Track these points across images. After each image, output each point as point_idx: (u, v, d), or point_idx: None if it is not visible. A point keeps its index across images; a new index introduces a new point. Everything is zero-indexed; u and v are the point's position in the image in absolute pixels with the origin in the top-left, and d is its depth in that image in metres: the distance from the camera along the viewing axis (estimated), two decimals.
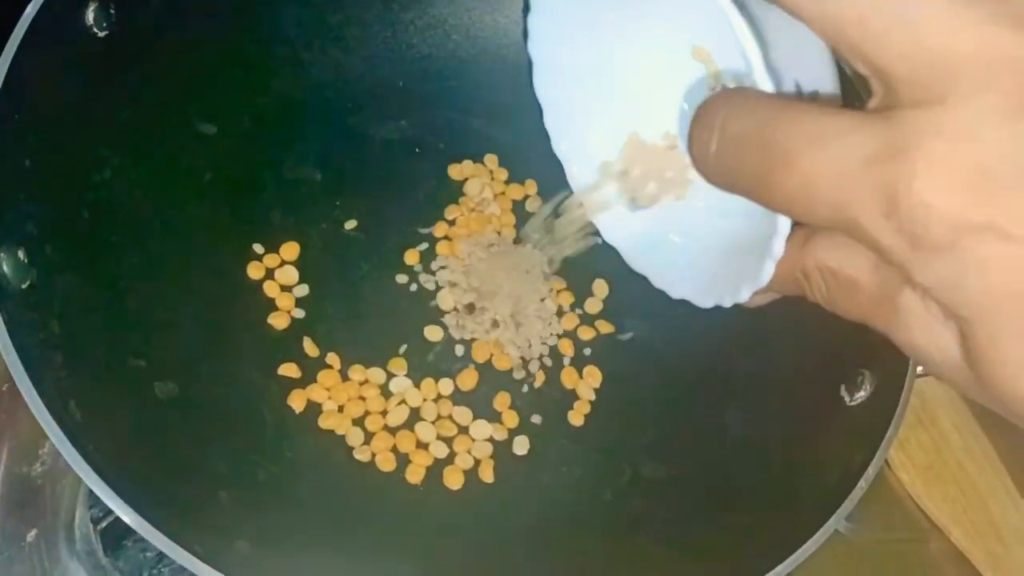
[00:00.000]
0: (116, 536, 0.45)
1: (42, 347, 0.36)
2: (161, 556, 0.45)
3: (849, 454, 0.41)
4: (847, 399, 0.44)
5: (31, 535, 0.45)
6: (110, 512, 0.44)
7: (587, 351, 0.51)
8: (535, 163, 0.55)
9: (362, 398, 0.47)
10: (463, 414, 0.48)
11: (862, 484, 0.39)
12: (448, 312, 0.50)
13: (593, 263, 0.53)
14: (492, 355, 0.49)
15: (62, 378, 0.36)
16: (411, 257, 0.51)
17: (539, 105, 0.55)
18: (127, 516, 0.33)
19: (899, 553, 0.54)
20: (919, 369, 0.42)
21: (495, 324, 0.50)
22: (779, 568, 0.38)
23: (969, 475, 0.55)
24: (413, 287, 0.51)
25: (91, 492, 0.45)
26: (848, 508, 0.39)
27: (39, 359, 0.35)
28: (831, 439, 0.43)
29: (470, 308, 0.50)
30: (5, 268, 0.36)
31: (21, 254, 0.37)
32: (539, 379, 0.49)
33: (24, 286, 0.37)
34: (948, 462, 0.55)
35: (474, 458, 0.47)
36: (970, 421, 0.56)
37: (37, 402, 0.34)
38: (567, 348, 0.50)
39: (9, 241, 0.37)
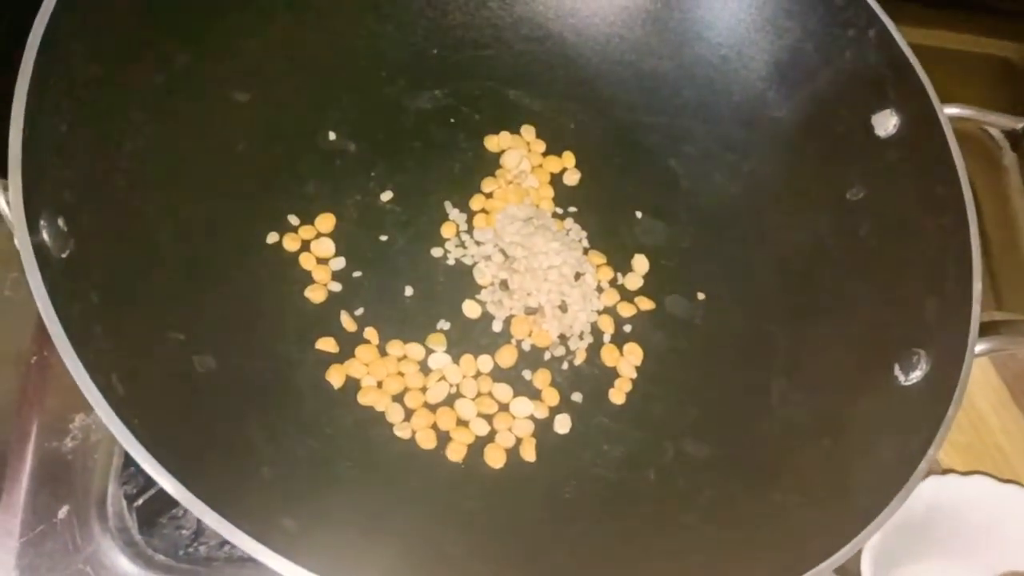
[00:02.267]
0: (150, 513, 0.44)
1: (83, 318, 0.35)
2: (196, 535, 0.44)
3: (905, 436, 0.40)
4: (901, 379, 0.43)
5: (63, 511, 0.44)
6: (145, 489, 0.44)
7: (627, 328, 0.50)
8: (573, 134, 0.54)
9: (401, 374, 0.46)
10: (503, 391, 0.47)
11: (923, 466, 0.38)
12: (486, 287, 0.49)
13: (633, 237, 0.52)
14: (531, 331, 0.48)
15: (103, 350, 0.35)
16: (448, 230, 0.50)
17: (577, 74, 0.54)
18: (178, 492, 0.32)
19: None
20: (977, 348, 0.41)
21: (533, 300, 0.49)
22: (834, 557, 0.37)
23: (1007, 456, 0.54)
24: (450, 261, 0.49)
25: (124, 468, 0.45)
26: (907, 494, 0.38)
27: (81, 330, 0.34)
28: (884, 420, 0.42)
29: (509, 280, 0.49)
30: (46, 236, 0.35)
31: (61, 222, 0.36)
32: (579, 356, 0.48)
33: (64, 255, 0.36)
34: (987, 443, 0.54)
35: (515, 436, 0.46)
36: (1008, 403, 0.55)
37: (82, 374, 0.32)
38: (607, 325, 0.49)
39: (49, 208, 0.35)
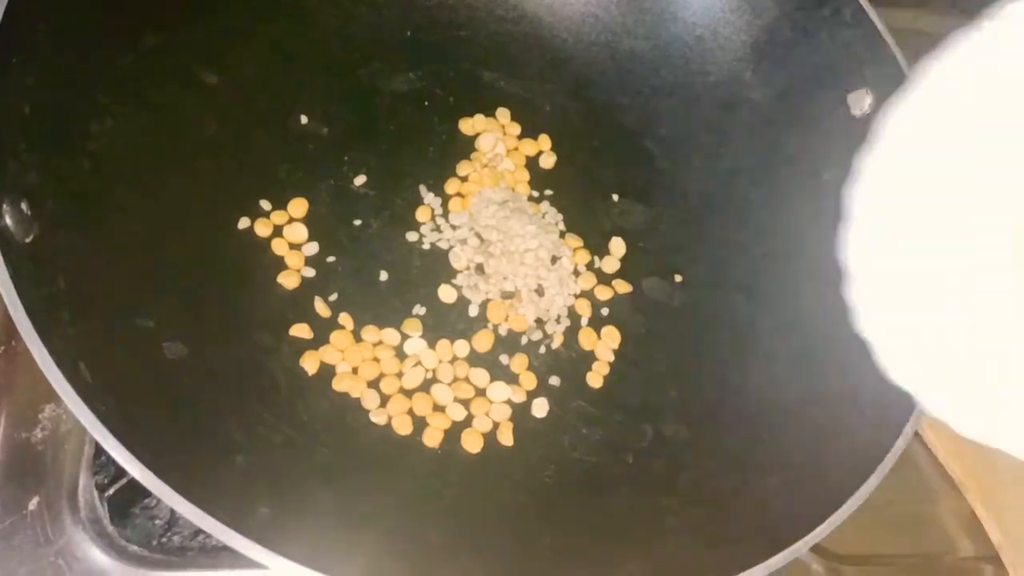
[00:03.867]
0: (123, 504, 0.43)
1: (49, 304, 0.34)
2: (170, 525, 0.44)
3: (883, 416, 0.40)
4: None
5: (33, 503, 0.43)
6: (116, 479, 0.43)
7: (605, 311, 0.49)
8: (549, 117, 0.54)
9: (376, 360, 0.45)
10: (480, 376, 0.46)
11: (900, 443, 0.38)
12: (461, 271, 0.49)
13: (610, 220, 0.51)
14: (508, 316, 0.48)
15: (70, 337, 0.34)
16: (423, 214, 0.49)
17: (552, 55, 0.53)
18: (148, 481, 0.31)
19: (913, 514, 0.54)
20: None
21: (509, 284, 0.48)
22: (810, 535, 0.37)
23: None
24: (425, 245, 0.49)
25: (95, 458, 0.44)
26: (882, 474, 0.38)
27: (47, 316, 0.33)
28: (863, 399, 0.42)
29: (485, 264, 0.48)
30: (8, 220, 0.34)
31: (24, 206, 0.35)
32: (557, 340, 0.48)
33: (28, 240, 0.35)
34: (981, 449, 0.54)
35: (492, 421, 0.45)
36: None
37: (48, 362, 0.32)
38: (584, 308, 0.49)
39: (12, 192, 0.34)
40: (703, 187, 0.52)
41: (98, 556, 0.42)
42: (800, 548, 0.37)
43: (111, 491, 0.43)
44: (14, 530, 0.42)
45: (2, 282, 0.32)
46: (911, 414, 0.39)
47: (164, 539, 0.43)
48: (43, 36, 0.38)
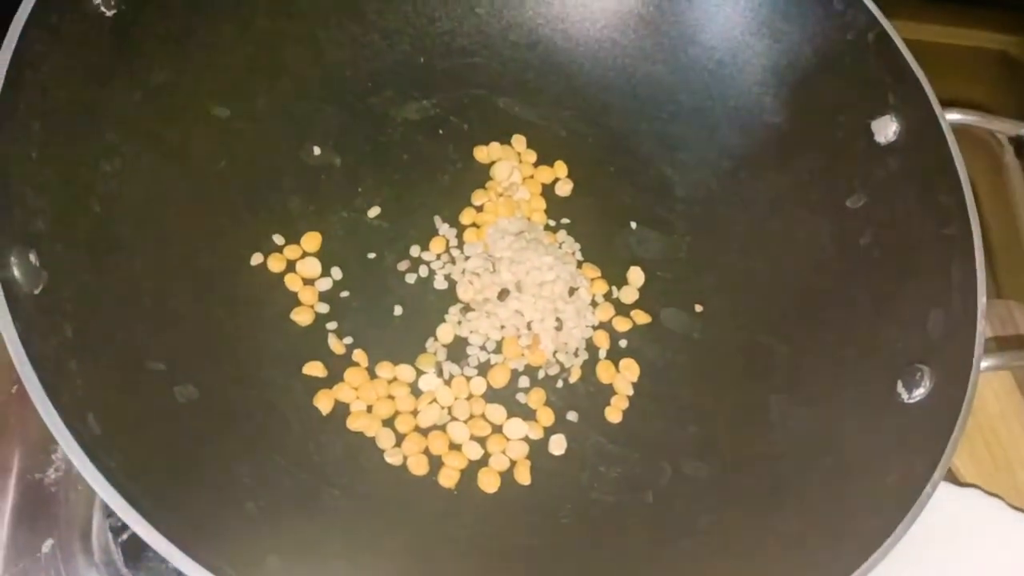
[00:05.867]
0: (137, 546, 0.43)
1: (57, 354, 0.34)
2: None
3: (909, 457, 0.39)
4: (904, 396, 0.42)
5: (47, 545, 0.43)
6: None
7: (623, 343, 0.48)
8: (565, 143, 0.53)
9: (391, 397, 0.45)
10: (496, 412, 0.45)
11: (928, 490, 0.37)
12: (477, 304, 0.48)
13: (628, 248, 0.51)
14: (524, 350, 0.47)
15: (78, 387, 0.34)
16: (437, 246, 0.49)
17: (569, 80, 0.52)
18: (155, 541, 0.31)
19: None
20: (983, 365, 0.40)
21: (526, 317, 0.48)
22: None
23: (1000, 439, 0.53)
24: (440, 278, 0.48)
25: None
26: (911, 521, 0.37)
27: (54, 368, 0.33)
28: (888, 439, 0.41)
29: (501, 297, 0.47)
30: (16, 272, 0.33)
31: (32, 257, 0.34)
32: (574, 374, 0.47)
33: (37, 291, 0.34)
34: (982, 425, 0.52)
35: (509, 459, 0.45)
36: (1013, 391, 0.54)
37: (54, 417, 0.31)
38: (602, 340, 0.48)
39: (20, 243, 0.34)
40: (723, 214, 0.51)
41: None
42: None
43: (125, 535, 0.43)
44: (28, 573, 0.42)
45: (10, 339, 0.32)
46: (940, 459, 0.38)
47: None
48: (51, 79, 0.37)
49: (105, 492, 0.31)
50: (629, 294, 0.50)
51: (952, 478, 0.50)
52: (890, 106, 0.46)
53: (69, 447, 0.31)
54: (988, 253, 0.61)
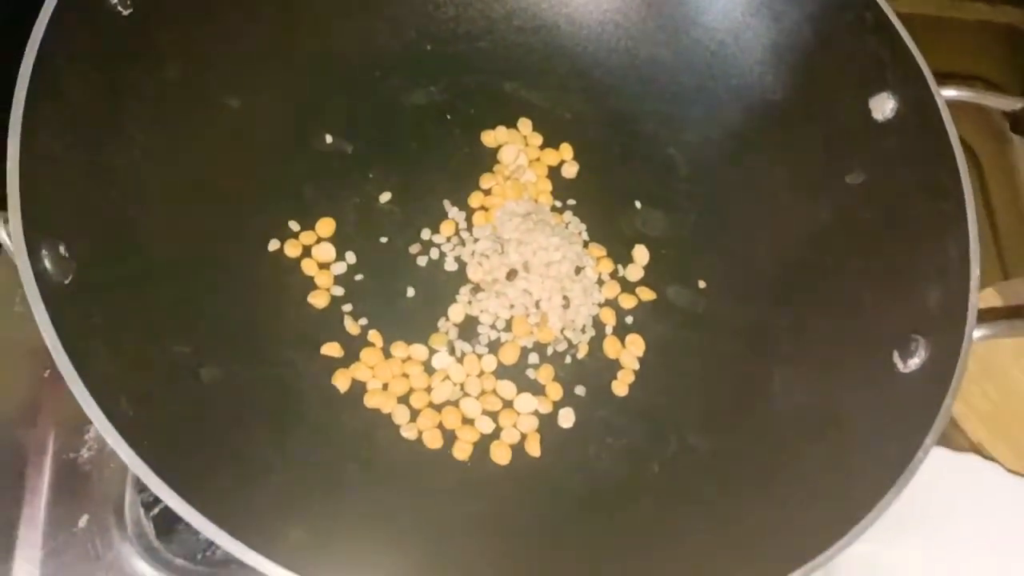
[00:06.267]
0: (168, 520, 0.45)
1: (88, 342, 0.36)
2: None
3: (906, 424, 0.40)
4: (901, 366, 0.43)
5: (82, 521, 0.45)
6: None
7: (629, 319, 0.50)
8: (570, 125, 0.54)
9: (406, 375, 0.47)
10: (507, 388, 0.47)
11: (921, 455, 0.38)
12: (487, 284, 0.49)
13: (633, 228, 0.52)
14: (533, 327, 0.49)
15: (110, 371, 0.36)
16: (447, 229, 0.50)
17: (573, 63, 0.53)
18: (187, 513, 0.33)
19: None
20: (976, 334, 0.41)
21: (534, 296, 0.49)
22: (833, 548, 0.37)
23: None
24: (450, 260, 0.50)
25: (139, 477, 0.45)
26: (906, 482, 0.38)
27: (87, 354, 0.35)
28: (885, 407, 0.42)
29: (510, 277, 0.49)
30: (48, 264, 0.35)
31: (62, 249, 0.36)
32: (582, 350, 0.49)
33: (67, 281, 0.36)
34: (1016, 410, 0.53)
35: (520, 432, 0.46)
36: None
37: (89, 400, 0.33)
38: (609, 317, 0.50)
39: (50, 236, 0.36)
40: (726, 192, 0.53)
41: (146, 570, 0.44)
42: (822, 561, 0.37)
43: (156, 510, 0.45)
44: (66, 547, 0.44)
45: (44, 327, 0.34)
46: (933, 424, 0.39)
47: (208, 552, 0.45)
48: (73, 78, 0.39)
49: (139, 469, 0.33)
50: (634, 272, 0.51)
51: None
52: (887, 84, 0.47)
53: (104, 428, 0.33)
54: (993, 230, 0.62)
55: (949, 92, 0.46)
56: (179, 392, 0.40)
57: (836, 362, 0.46)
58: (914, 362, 0.43)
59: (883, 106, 0.47)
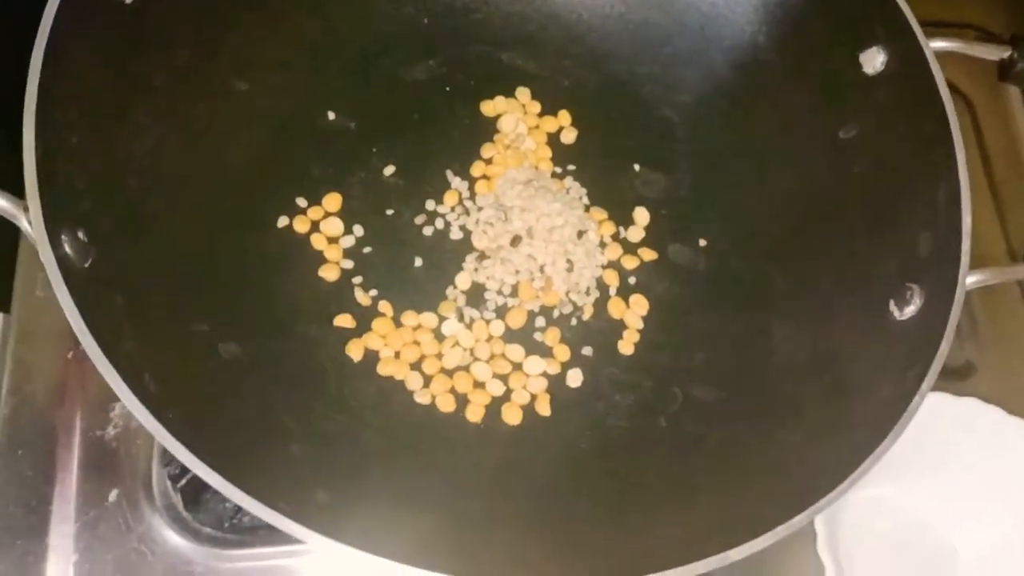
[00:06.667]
0: (194, 491, 0.47)
1: (111, 323, 0.37)
2: (239, 507, 0.47)
3: (901, 371, 0.42)
4: (896, 314, 0.44)
5: (113, 495, 0.47)
6: (187, 470, 0.46)
7: (632, 280, 0.51)
8: (568, 92, 0.55)
9: (417, 343, 0.48)
10: (516, 351, 0.49)
11: (917, 400, 0.40)
12: (492, 252, 0.51)
13: (633, 190, 0.53)
14: (539, 292, 0.50)
15: (133, 350, 0.37)
16: (451, 199, 0.52)
17: (568, 30, 0.54)
18: (216, 482, 0.34)
19: None
20: (969, 281, 0.42)
21: (539, 261, 0.50)
22: (835, 492, 0.39)
23: None
24: (455, 229, 0.51)
25: (165, 451, 0.47)
26: (902, 429, 0.39)
27: (110, 335, 0.36)
28: (882, 355, 0.44)
29: (514, 243, 0.50)
30: (68, 249, 0.37)
31: (81, 234, 0.38)
32: (587, 312, 0.50)
33: (87, 265, 0.38)
34: None
35: (530, 393, 0.48)
36: None
37: (116, 378, 0.35)
38: (612, 279, 0.51)
39: (69, 222, 0.37)
40: (722, 151, 0.54)
41: (176, 540, 0.46)
42: (824, 505, 0.39)
43: (183, 481, 0.47)
44: (98, 521, 0.46)
45: (68, 310, 0.35)
46: (929, 370, 0.41)
47: (235, 520, 0.47)
48: (82, 69, 0.40)
49: (167, 441, 0.34)
50: (636, 233, 0.52)
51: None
52: (877, 38, 0.47)
53: (131, 404, 0.34)
54: (989, 178, 0.63)
55: (937, 43, 0.46)
56: (200, 368, 0.42)
57: (833, 312, 0.47)
58: (910, 310, 0.44)
59: (873, 60, 0.48)
